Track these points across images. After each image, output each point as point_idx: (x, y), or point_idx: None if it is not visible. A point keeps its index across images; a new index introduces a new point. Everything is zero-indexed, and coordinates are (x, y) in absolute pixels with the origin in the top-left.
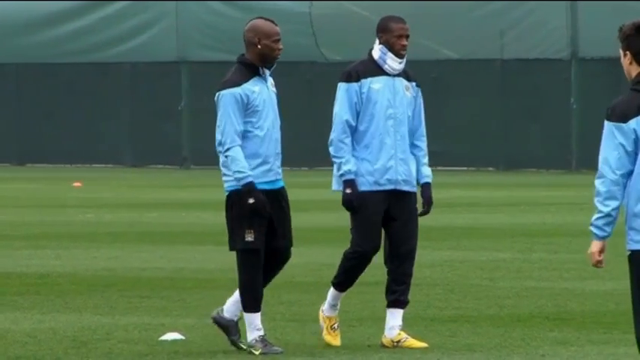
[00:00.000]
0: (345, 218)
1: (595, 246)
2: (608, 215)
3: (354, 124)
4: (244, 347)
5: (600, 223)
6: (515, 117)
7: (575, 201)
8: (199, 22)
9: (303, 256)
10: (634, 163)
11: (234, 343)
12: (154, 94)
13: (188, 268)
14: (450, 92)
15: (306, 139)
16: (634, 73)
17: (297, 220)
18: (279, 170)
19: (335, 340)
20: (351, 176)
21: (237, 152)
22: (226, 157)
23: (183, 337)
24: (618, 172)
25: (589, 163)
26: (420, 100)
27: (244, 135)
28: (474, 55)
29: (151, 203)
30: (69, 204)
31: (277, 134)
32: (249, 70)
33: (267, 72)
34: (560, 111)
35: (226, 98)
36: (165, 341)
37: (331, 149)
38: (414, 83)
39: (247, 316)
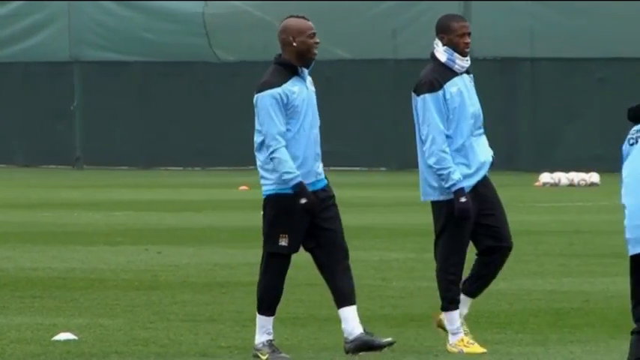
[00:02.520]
0: (237, 219)
1: None
2: None
3: (447, 132)
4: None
5: None
6: (407, 117)
7: None
8: (92, 22)
9: (196, 257)
10: None
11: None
12: (46, 94)
13: (80, 269)
14: (343, 92)
15: (199, 139)
16: None
17: (189, 220)
18: (319, 171)
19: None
20: (462, 184)
21: (283, 153)
22: (272, 159)
23: (75, 338)
24: None
25: None
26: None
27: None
28: (366, 55)
29: (44, 203)
30: None
31: (316, 135)
32: (288, 70)
33: (306, 71)
34: None
35: (266, 99)
36: (58, 341)
37: (432, 161)
38: (471, 75)
39: (260, 318)
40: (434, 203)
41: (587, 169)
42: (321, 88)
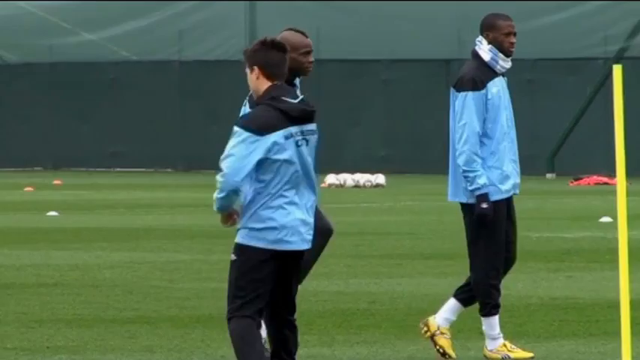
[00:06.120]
0: (23, 220)
1: None
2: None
3: (481, 133)
4: None
5: None
6: (194, 118)
7: None
8: None
9: None
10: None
11: None
12: None
13: None
14: (128, 93)
15: None
16: (263, 88)
17: None
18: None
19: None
20: (486, 190)
21: None
22: None
23: None
24: (237, 178)
25: None
26: None
27: None
28: (152, 57)
29: None
30: None
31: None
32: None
33: (298, 80)
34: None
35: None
36: None
37: (461, 160)
38: (506, 77)
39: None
40: (464, 205)
41: (373, 171)
42: (105, 89)
